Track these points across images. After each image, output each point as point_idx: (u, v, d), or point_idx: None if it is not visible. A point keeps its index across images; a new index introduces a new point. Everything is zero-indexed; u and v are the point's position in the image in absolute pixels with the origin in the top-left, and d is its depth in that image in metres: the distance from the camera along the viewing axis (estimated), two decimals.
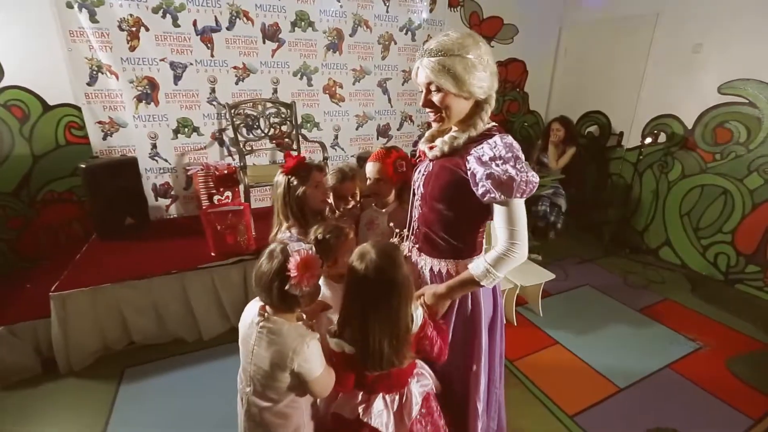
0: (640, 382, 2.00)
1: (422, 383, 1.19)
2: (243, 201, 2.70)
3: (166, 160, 2.85)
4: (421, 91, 1.09)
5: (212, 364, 2.07)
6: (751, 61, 2.66)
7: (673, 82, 3.11)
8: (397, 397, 1.14)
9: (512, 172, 0.97)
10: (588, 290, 2.86)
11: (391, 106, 3.48)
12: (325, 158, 2.94)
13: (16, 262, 2.64)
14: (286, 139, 3.07)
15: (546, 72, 4.09)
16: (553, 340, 2.29)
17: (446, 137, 1.12)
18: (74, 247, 2.39)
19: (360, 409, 1.11)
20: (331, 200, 1.61)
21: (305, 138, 3.12)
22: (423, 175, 1.19)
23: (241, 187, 2.76)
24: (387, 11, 3.16)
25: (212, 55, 2.76)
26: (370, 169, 1.51)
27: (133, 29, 2.52)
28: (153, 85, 2.67)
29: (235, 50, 2.81)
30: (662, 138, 3.18)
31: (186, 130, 2.85)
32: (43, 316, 1.96)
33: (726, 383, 2.01)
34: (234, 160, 2.96)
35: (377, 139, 3.51)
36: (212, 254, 2.27)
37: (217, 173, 2.75)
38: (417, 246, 1.25)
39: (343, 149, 3.40)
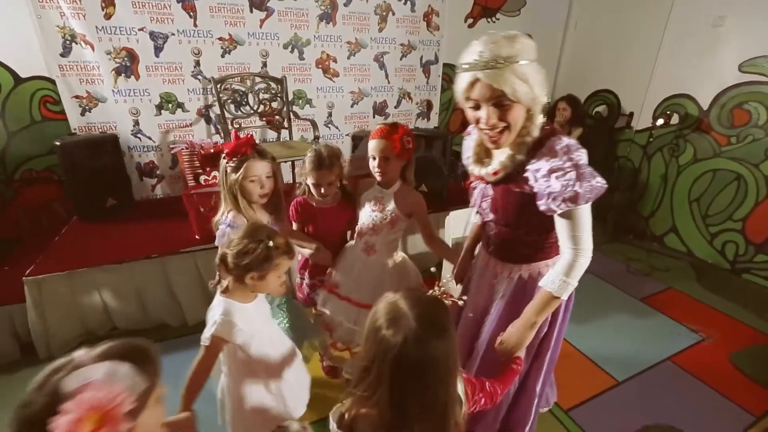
0: (639, 375, 1.94)
1: None
2: None
3: (149, 138, 2.71)
4: (471, 107, 0.98)
5: (197, 349, 2.00)
6: None
7: (691, 59, 2.91)
8: None
9: (574, 184, 0.91)
10: (588, 277, 2.70)
11: (389, 83, 3.29)
12: (317, 137, 2.80)
13: None
14: (277, 117, 2.91)
15: (554, 47, 3.86)
16: None
17: (504, 158, 1.02)
18: (57, 229, 2.30)
19: None
20: (309, 184, 1.49)
21: (297, 115, 2.96)
22: (486, 199, 1.13)
23: None
24: None
25: (195, 25, 2.57)
26: (375, 146, 1.38)
27: None
28: (132, 56, 2.50)
29: (221, 19, 2.62)
30: (675, 119, 3.01)
31: (170, 105, 2.69)
32: (19, 300, 1.88)
33: (729, 378, 1.94)
34: (221, 138, 2.82)
35: (373, 117, 3.34)
36: (196, 237, 2.17)
37: (203, 152, 2.62)
38: (496, 257, 1.21)
39: (337, 127, 3.24)
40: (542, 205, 0.97)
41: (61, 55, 2.37)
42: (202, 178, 2.53)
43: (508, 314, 1.17)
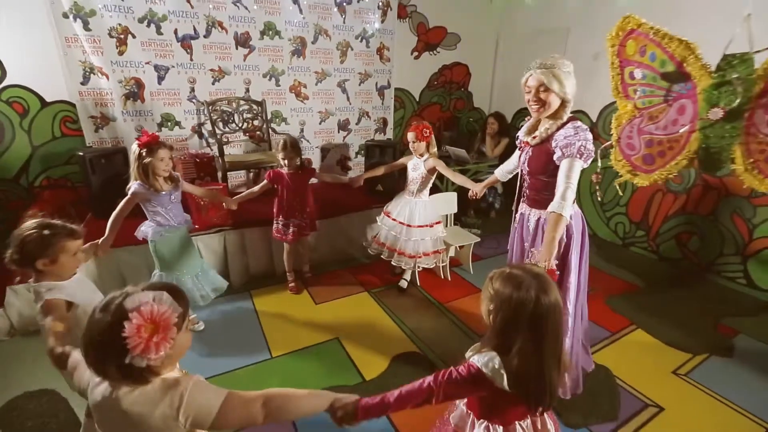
0: None
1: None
2: (221, 182, 3.15)
3: None
4: (528, 92, 1.57)
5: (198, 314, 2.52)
6: None
7: (582, 84, 3.75)
8: (528, 422, 1.05)
9: (574, 144, 1.46)
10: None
11: (350, 104, 3.99)
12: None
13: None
14: (258, 132, 3.54)
15: (487, 74, 4.72)
16: (477, 289, 2.88)
17: (541, 130, 1.59)
18: None
19: None
20: (280, 158, 2.47)
21: (274, 131, 3.59)
22: (525, 159, 1.69)
23: (219, 173, 3.21)
24: (344, 22, 3.68)
25: (191, 59, 3.20)
26: (411, 136, 2.51)
27: (122, 36, 2.93)
28: (139, 84, 3.08)
29: (212, 55, 3.25)
30: None
31: (169, 124, 3.26)
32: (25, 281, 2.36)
33: (601, 312, 2.63)
34: (211, 150, 3.39)
35: (338, 132, 4.02)
36: (196, 226, 2.71)
37: (197, 160, 3.20)
38: (528, 203, 1.76)
39: (308, 141, 3.88)
40: (556, 155, 1.50)
41: (81, 84, 2.92)
42: (197, 181, 3.11)
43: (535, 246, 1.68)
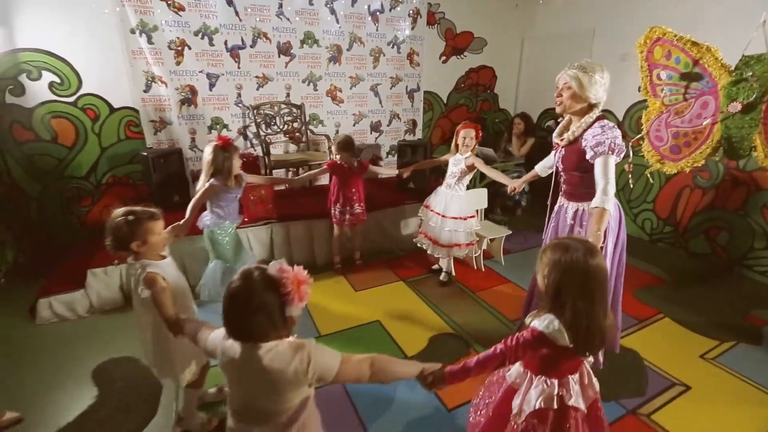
0: None
1: (587, 360, 1.24)
2: None
3: (202, 151, 3.54)
4: (558, 88, 1.72)
5: None
6: None
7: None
8: (577, 376, 1.19)
9: (604, 143, 1.56)
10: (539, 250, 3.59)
11: (382, 107, 4.21)
12: (330, 147, 3.66)
13: (85, 234, 3.33)
14: (297, 133, 3.79)
15: (512, 76, 4.85)
16: (507, 280, 3.02)
17: (570, 132, 1.73)
18: None
19: (561, 396, 1.15)
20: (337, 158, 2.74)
21: (312, 132, 3.84)
22: (559, 158, 1.82)
23: (263, 171, 3.48)
24: (377, 30, 3.91)
25: (239, 67, 3.49)
26: (468, 132, 2.70)
27: (179, 48, 3.24)
28: (193, 91, 3.39)
29: (257, 63, 3.54)
30: None
31: (218, 126, 3.56)
32: (124, 262, 2.66)
33: (627, 302, 2.69)
34: (255, 150, 3.67)
35: (370, 133, 4.25)
36: (245, 219, 2.97)
37: (243, 160, 3.46)
38: (565, 197, 1.90)
39: (357, 151, 4.11)
40: (588, 154, 1.61)
41: (144, 91, 3.24)
42: None
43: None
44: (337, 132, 4.06)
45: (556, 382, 1.15)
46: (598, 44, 3.91)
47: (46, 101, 3.00)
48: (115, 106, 3.22)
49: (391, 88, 4.20)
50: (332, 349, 1.03)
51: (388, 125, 4.32)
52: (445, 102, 4.59)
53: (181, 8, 3.15)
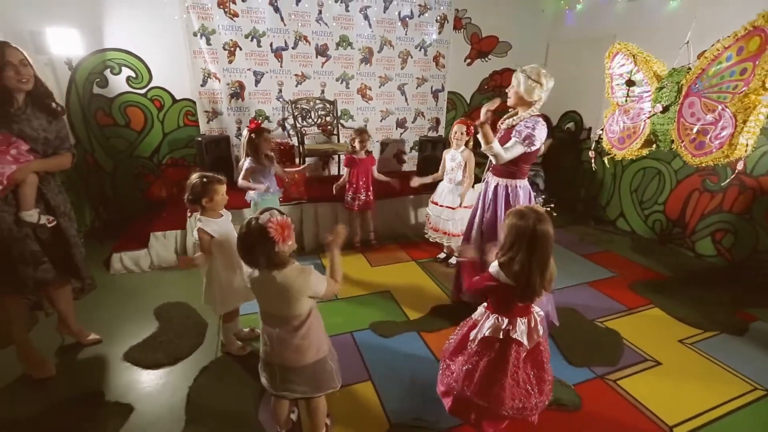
0: (562, 289, 2.95)
1: (538, 311, 1.52)
2: (299, 165, 3.85)
3: None
4: (510, 86, 2.09)
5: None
6: None
7: None
8: (526, 320, 1.45)
9: (522, 129, 2.00)
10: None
11: (407, 105, 4.56)
12: (351, 140, 4.05)
13: (146, 206, 3.91)
14: (329, 127, 4.21)
15: None
16: None
17: (511, 120, 2.14)
18: None
19: (508, 330, 1.43)
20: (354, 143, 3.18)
21: (343, 126, 4.25)
22: (497, 138, 2.13)
23: (297, 158, 3.93)
24: (406, 34, 4.25)
25: (281, 66, 3.95)
26: (461, 128, 3.03)
27: (232, 49, 3.74)
28: (241, 86, 3.88)
29: (297, 63, 3.98)
30: None
31: (260, 118, 4.04)
32: (181, 228, 3.17)
33: (622, 293, 2.92)
34: (291, 140, 4.12)
35: (396, 129, 4.60)
36: (280, 198, 3.41)
37: (281, 147, 3.94)
38: (493, 173, 2.25)
39: (370, 136, 4.49)
40: (512, 136, 2.03)
41: (201, 85, 3.77)
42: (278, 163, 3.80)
43: (495, 207, 2.21)
44: (365, 127, 4.45)
45: (506, 320, 1.45)
46: None
47: (123, 92, 3.59)
48: (177, 97, 3.77)
49: (417, 88, 4.53)
50: (321, 275, 1.40)
51: (412, 122, 4.66)
52: (468, 102, 4.86)
53: (236, 14, 3.64)
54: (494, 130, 2.18)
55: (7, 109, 1.68)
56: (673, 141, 1.68)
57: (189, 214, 3.02)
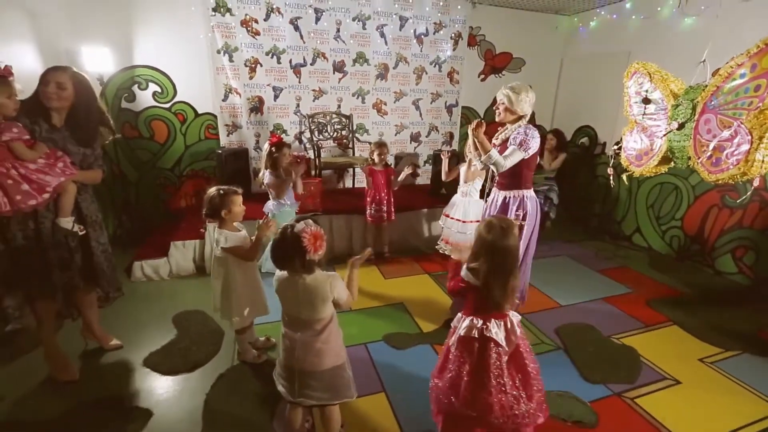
0: (577, 304, 2.93)
1: (515, 315, 1.52)
2: (315, 177, 3.92)
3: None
4: (496, 104, 2.20)
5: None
6: None
7: None
8: (503, 323, 1.45)
9: (517, 135, 2.09)
10: (564, 258, 3.79)
11: (422, 119, 4.63)
12: (371, 154, 4.12)
13: (167, 216, 4.03)
14: (344, 140, 4.30)
15: (550, 94, 5.08)
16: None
17: (503, 134, 2.22)
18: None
19: (482, 329, 1.44)
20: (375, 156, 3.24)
21: (358, 140, 4.33)
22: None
23: (313, 171, 4.01)
24: (421, 50, 4.36)
25: (299, 82, 4.07)
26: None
27: (253, 65, 3.88)
28: (261, 101, 4.01)
29: (315, 78, 4.11)
30: None
31: (278, 131, 4.16)
32: (198, 238, 3.26)
33: (639, 309, 2.87)
34: (307, 153, 4.22)
35: (410, 142, 4.67)
36: (296, 211, 3.49)
37: (297, 160, 4.03)
38: (497, 187, 2.33)
39: (389, 149, 4.56)
40: (509, 145, 2.11)
41: (222, 100, 3.91)
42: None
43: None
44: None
45: (481, 320, 1.45)
46: None
47: (149, 106, 3.75)
48: (199, 111, 3.92)
49: (431, 103, 4.61)
50: (344, 284, 1.48)
51: (426, 136, 4.72)
52: (482, 117, 4.91)
53: (257, 33, 3.80)
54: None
55: (50, 125, 1.79)
56: (689, 158, 1.69)
57: (204, 225, 3.10)
